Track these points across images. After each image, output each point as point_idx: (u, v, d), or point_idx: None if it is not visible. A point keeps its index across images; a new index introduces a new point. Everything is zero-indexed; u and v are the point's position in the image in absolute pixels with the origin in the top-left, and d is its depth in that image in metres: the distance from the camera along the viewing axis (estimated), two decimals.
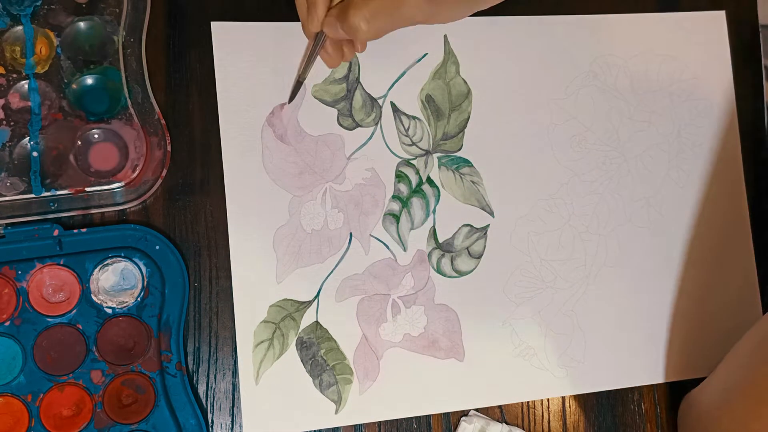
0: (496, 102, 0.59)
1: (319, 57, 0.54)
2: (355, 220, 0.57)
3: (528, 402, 0.58)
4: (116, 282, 0.54)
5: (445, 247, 0.58)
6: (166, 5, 0.57)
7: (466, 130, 0.59)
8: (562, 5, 0.61)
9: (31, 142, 0.53)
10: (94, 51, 0.55)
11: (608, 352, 0.59)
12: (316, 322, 0.56)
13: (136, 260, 0.53)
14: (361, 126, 0.57)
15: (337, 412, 0.55)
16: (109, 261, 0.53)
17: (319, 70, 0.57)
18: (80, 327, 0.53)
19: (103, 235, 0.53)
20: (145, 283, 0.53)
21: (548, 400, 0.58)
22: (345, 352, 0.56)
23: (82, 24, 0.54)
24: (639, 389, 0.59)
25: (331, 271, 0.56)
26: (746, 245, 0.62)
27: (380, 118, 0.58)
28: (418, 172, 0.58)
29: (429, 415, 0.56)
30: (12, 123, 0.53)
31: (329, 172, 0.57)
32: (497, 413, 0.57)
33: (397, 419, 0.56)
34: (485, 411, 0.57)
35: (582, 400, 0.58)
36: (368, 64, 0.58)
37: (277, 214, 0.56)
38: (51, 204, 0.53)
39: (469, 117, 0.59)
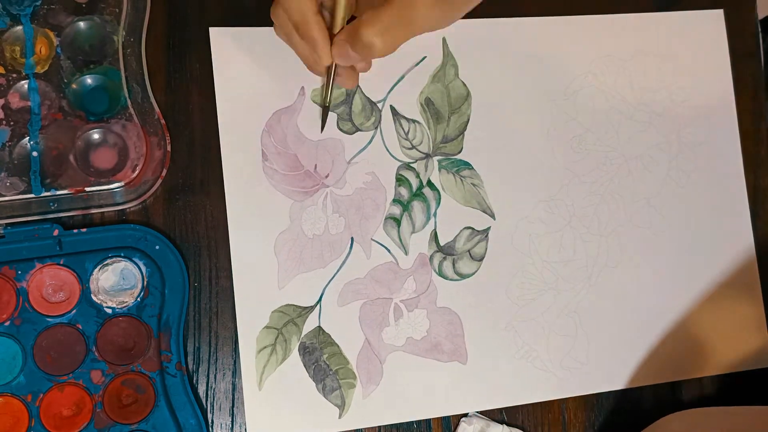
0: (495, 104, 0.59)
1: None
2: (356, 224, 0.57)
3: (531, 404, 0.58)
4: (116, 282, 0.54)
5: (447, 250, 0.58)
6: (166, 5, 0.56)
7: (465, 132, 0.59)
8: (561, 6, 0.61)
9: (31, 142, 0.53)
10: (94, 51, 0.55)
11: (611, 353, 0.59)
12: (319, 327, 0.56)
13: (136, 260, 0.53)
14: (360, 130, 0.57)
15: (340, 416, 0.55)
16: (109, 261, 0.53)
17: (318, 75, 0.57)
18: (80, 327, 0.53)
19: (103, 235, 0.53)
20: (145, 283, 0.53)
21: (550, 401, 0.58)
22: (348, 357, 0.56)
23: (82, 24, 0.54)
24: (641, 390, 0.59)
25: (333, 276, 0.56)
26: (747, 245, 0.62)
27: (380, 121, 0.58)
28: (418, 176, 0.58)
29: (429, 418, 0.56)
30: (12, 123, 0.53)
31: (330, 177, 0.57)
32: (498, 414, 0.57)
33: (397, 422, 0.56)
34: (487, 413, 0.57)
35: (583, 400, 0.58)
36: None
37: (278, 220, 0.56)
38: (51, 204, 0.53)
39: (468, 119, 0.59)
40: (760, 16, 0.65)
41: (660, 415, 0.58)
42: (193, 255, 0.55)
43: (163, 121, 0.55)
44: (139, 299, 0.53)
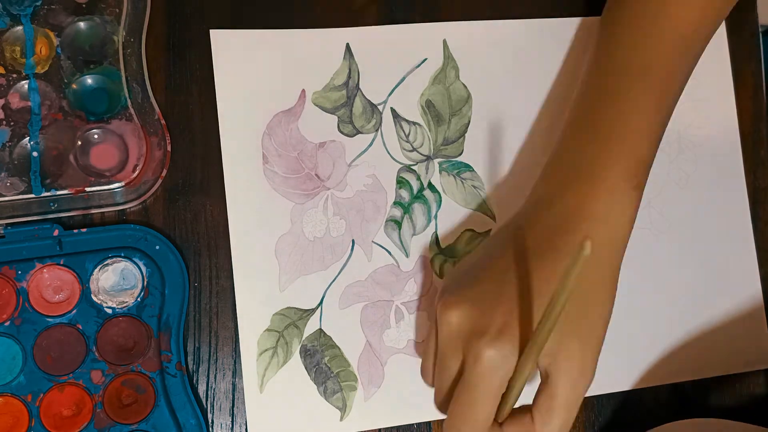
0: (496, 106, 0.59)
1: None
2: (357, 226, 0.57)
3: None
4: (116, 282, 0.54)
5: (448, 252, 0.58)
6: (166, 5, 0.56)
7: (466, 134, 0.58)
8: (562, 8, 0.61)
9: (31, 142, 0.53)
10: (94, 51, 0.55)
11: (612, 355, 0.58)
12: (320, 329, 0.56)
13: (136, 260, 0.53)
14: (361, 132, 0.57)
15: (342, 419, 0.55)
16: (109, 261, 0.53)
17: (319, 76, 0.57)
18: (80, 327, 0.53)
19: (103, 235, 0.53)
20: (145, 283, 0.53)
21: None
22: (349, 359, 0.56)
23: (82, 24, 0.54)
24: (641, 391, 0.59)
25: (334, 279, 0.56)
26: (748, 245, 0.62)
27: (380, 124, 0.58)
28: (419, 178, 0.58)
29: (430, 420, 0.56)
30: (12, 123, 0.53)
31: (330, 180, 0.57)
32: None
33: (398, 424, 0.56)
34: None
35: (586, 407, 0.58)
36: (368, 71, 0.58)
37: (278, 223, 0.56)
38: (51, 204, 0.53)
39: (469, 122, 0.59)
40: (761, 17, 0.64)
41: (661, 416, 0.58)
42: (193, 255, 0.55)
43: (163, 121, 0.55)
44: (139, 299, 0.53)
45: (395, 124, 0.58)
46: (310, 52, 0.57)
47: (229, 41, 0.56)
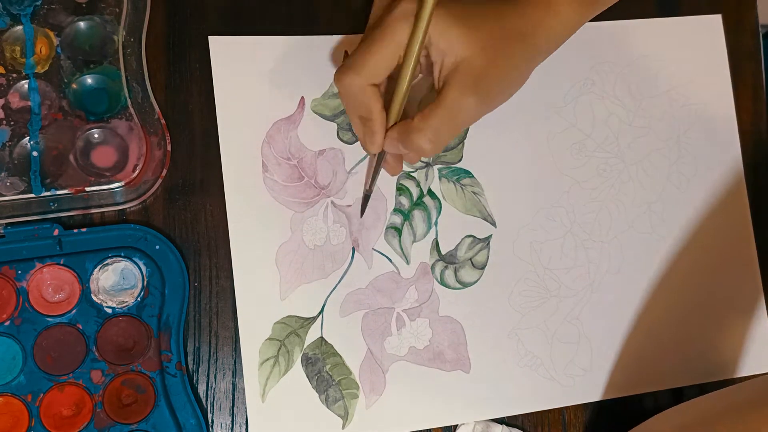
0: (494, 112, 0.59)
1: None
2: (357, 234, 0.57)
3: (534, 413, 0.57)
4: (116, 282, 0.54)
5: (448, 259, 0.58)
6: (166, 5, 0.56)
7: (465, 141, 0.58)
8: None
9: (31, 142, 0.53)
10: (94, 51, 0.55)
11: (615, 360, 0.59)
12: (321, 337, 0.56)
13: (136, 260, 0.53)
14: None
15: (344, 427, 0.55)
16: (109, 261, 0.53)
17: (318, 84, 0.57)
18: (80, 327, 0.53)
19: (103, 235, 0.53)
20: (145, 282, 0.53)
21: (554, 409, 0.58)
22: (350, 367, 0.56)
23: (82, 24, 0.54)
24: (644, 397, 0.59)
25: (335, 287, 0.56)
26: (749, 249, 0.62)
27: None
28: (419, 185, 0.58)
29: (432, 428, 0.56)
30: (12, 123, 0.53)
31: (330, 187, 0.57)
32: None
33: None
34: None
35: (586, 407, 0.58)
36: None
37: (279, 231, 0.56)
38: (51, 204, 0.53)
39: (468, 128, 0.59)
40: (761, 18, 0.65)
41: None
42: (193, 255, 0.55)
43: (163, 121, 0.55)
44: (139, 299, 0.53)
45: None
46: (309, 59, 0.57)
47: (228, 47, 0.56)
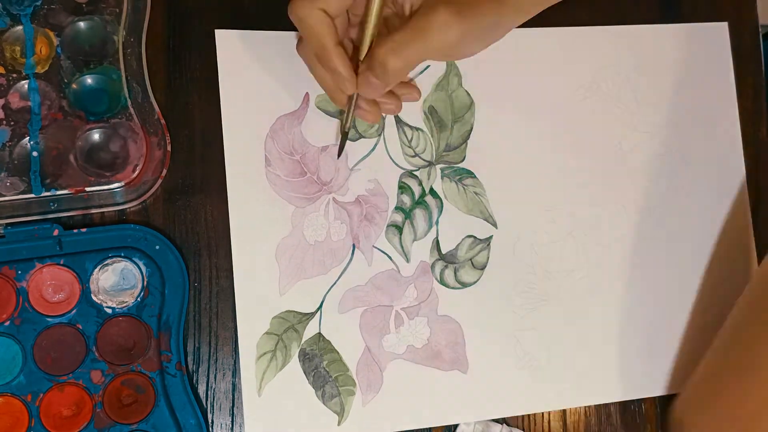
0: (498, 113, 0.59)
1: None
2: (358, 231, 0.57)
3: (531, 414, 0.57)
4: (116, 282, 0.54)
5: (449, 259, 0.58)
6: (166, 5, 0.56)
7: (468, 141, 0.58)
8: (565, 16, 0.61)
9: (31, 142, 0.53)
10: (94, 51, 0.54)
11: (612, 364, 0.59)
12: (319, 333, 0.56)
13: (136, 260, 0.53)
14: (364, 137, 0.57)
15: (339, 423, 0.55)
16: (109, 261, 0.53)
17: None
18: (80, 327, 0.53)
19: (103, 235, 0.53)
20: (145, 283, 0.53)
21: (551, 411, 0.58)
22: (348, 364, 0.56)
23: (82, 24, 0.54)
24: (643, 401, 0.59)
25: (334, 283, 0.56)
26: (750, 254, 0.62)
27: (383, 129, 0.57)
28: (421, 184, 0.58)
29: (429, 427, 0.56)
30: (12, 123, 0.53)
31: (332, 184, 0.57)
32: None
33: (396, 430, 0.56)
34: None
35: (584, 411, 0.58)
36: None
37: (279, 226, 0.56)
38: (51, 204, 0.53)
39: (471, 128, 0.59)
40: (761, 16, 0.65)
41: (664, 427, 0.58)
42: (193, 255, 0.55)
43: (163, 121, 0.55)
44: (139, 299, 0.53)
45: (398, 130, 0.58)
46: None
47: (234, 42, 0.56)
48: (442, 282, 0.57)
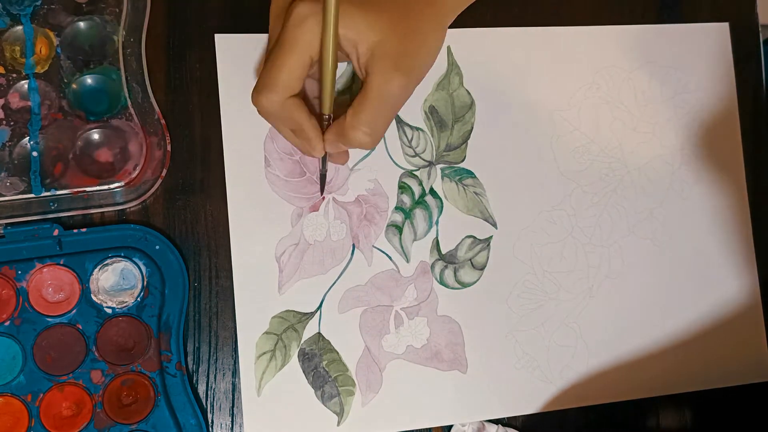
0: (499, 113, 0.59)
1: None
2: (357, 231, 0.57)
3: (531, 415, 0.57)
4: (116, 282, 0.54)
5: (448, 259, 0.58)
6: (166, 5, 0.56)
7: (469, 141, 0.58)
8: (566, 17, 0.61)
9: (31, 142, 0.53)
10: (94, 51, 0.54)
11: (611, 365, 0.59)
12: (319, 333, 0.56)
13: (136, 260, 0.53)
14: None
15: (339, 423, 0.55)
16: (109, 261, 0.53)
17: None
18: (80, 327, 0.53)
19: (103, 235, 0.53)
20: (145, 283, 0.53)
21: (550, 412, 0.58)
22: (347, 364, 0.56)
23: (82, 24, 0.54)
24: (640, 402, 0.59)
25: (334, 283, 0.56)
26: (749, 257, 0.62)
27: None
28: (421, 183, 0.58)
29: (428, 427, 0.56)
30: (12, 123, 0.53)
31: (332, 184, 0.57)
32: None
33: (395, 431, 0.56)
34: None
35: (583, 412, 0.58)
36: None
37: (279, 225, 0.56)
38: (51, 204, 0.53)
39: (472, 128, 0.59)
40: (761, 16, 0.65)
41: (663, 425, 0.58)
42: (193, 255, 0.55)
43: (163, 121, 0.55)
44: (139, 299, 0.53)
45: (398, 129, 0.58)
46: None
47: (233, 46, 0.56)
48: (441, 282, 0.57)
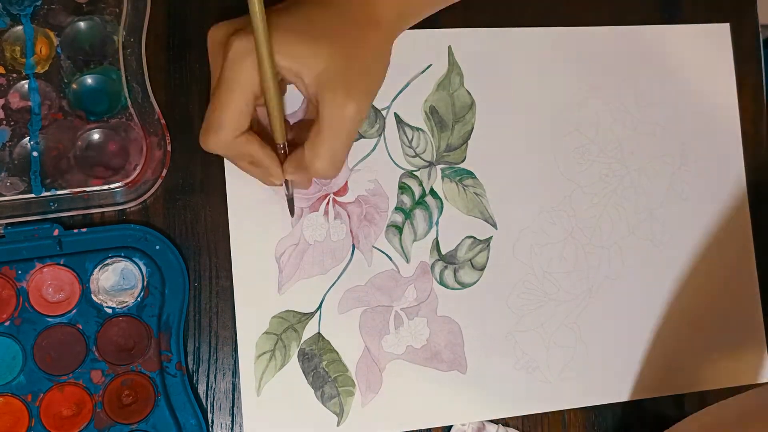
0: (499, 114, 0.59)
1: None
2: (357, 231, 0.57)
3: (529, 415, 0.57)
4: (116, 282, 0.54)
5: (448, 259, 0.58)
6: (166, 5, 0.56)
7: (469, 141, 0.58)
8: (567, 17, 0.61)
9: (31, 142, 0.53)
10: (94, 51, 0.54)
11: (611, 365, 0.59)
12: (318, 333, 0.56)
13: (136, 260, 0.53)
14: (364, 137, 0.57)
15: (338, 424, 0.55)
16: (109, 261, 0.53)
17: None
18: (80, 327, 0.53)
19: (103, 235, 0.53)
20: (145, 283, 0.53)
21: (550, 412, 0.58)
22: (347, 364, 0.56)
23: (82, 24, 0.54)
24: (642, 402, 0.59)
25: (334, 283, 0.56)
26: (749, 258, 0.62)
27: (384, 129, 0.58)
28: (421, 184, 0.58)
29: (428, 428, 0.56)
30: (12, 123, 0.53)
31: (332, 184, 0.57)
32: None
33: (395, 431, 0.56)
34: None
35: (582, 413, 0.58)
36: None
37: (279, 226, 0.56)
38: (51, 204, 0.53)
39: (472, 128, 0.59)
40: (760, 16, 0.65)
41: (663, 427, 0.59)
42: (193, 255, 0.55)
43: (163, 121, 0.55)
44: (139, 299, 0.53)
45: (398, 130, 0.58)
46: None
47: None
48: (441, 282, 0.57)
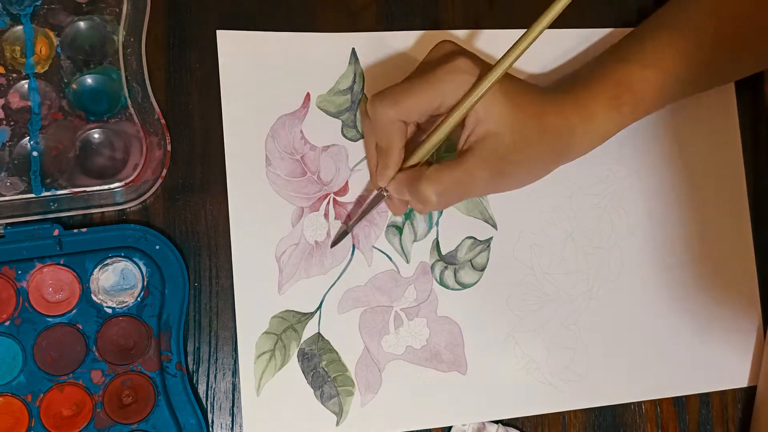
0: None
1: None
2: (358, 231, 0.57)
3: (530, 416, 0.57)
4: (116, 282, 0.54)
5: (448, 260, 0.58)
6: (166, 5, 0.56)
7: None
8: (566, 19, 0.60)
9: (31, 142, 0.53)
10: (94, 51, 0.54)
11: (611, 367, 0.59)
12: (318, 333, 0.56)
13: (136, 260, 0.54)
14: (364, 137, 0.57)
15: (338, 424, 0.55)
16: (109, 261, 0.53)
17: (324, 80, 0.57)
18: (80, 327, 0.53)
19: (103, 235, 0.53)
20: (145, 282, 0.54)
21: (550, 413, 0.58)
22: (347, 364, 0.56)
23: (82, 24, 0.54)
24: (641, 404, 0.59)
25: (334, 283, 0.56)
26: (749, 259, 0.62)
27: None
28: None
29: (427, 428, 0.56)
30: (12, 123, 0.53)
31: (333, 184, 0.57)
32: None
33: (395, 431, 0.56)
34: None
35: (582, 414, 0.58)
36: (373, 76, 0.58)
37: (279, 225, 0.56)
38: (51, 204, 0.53)
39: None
40: None
41: (661, 426, 0.59)
42: (193, 255, 0.55)
43: (163, 121, 0.55)
44: (139, 299, 0.53)
45: None
46: (316, 56, 0.57)
47: (236, 41, 0.56)
48: (441, 283, 0.57)
